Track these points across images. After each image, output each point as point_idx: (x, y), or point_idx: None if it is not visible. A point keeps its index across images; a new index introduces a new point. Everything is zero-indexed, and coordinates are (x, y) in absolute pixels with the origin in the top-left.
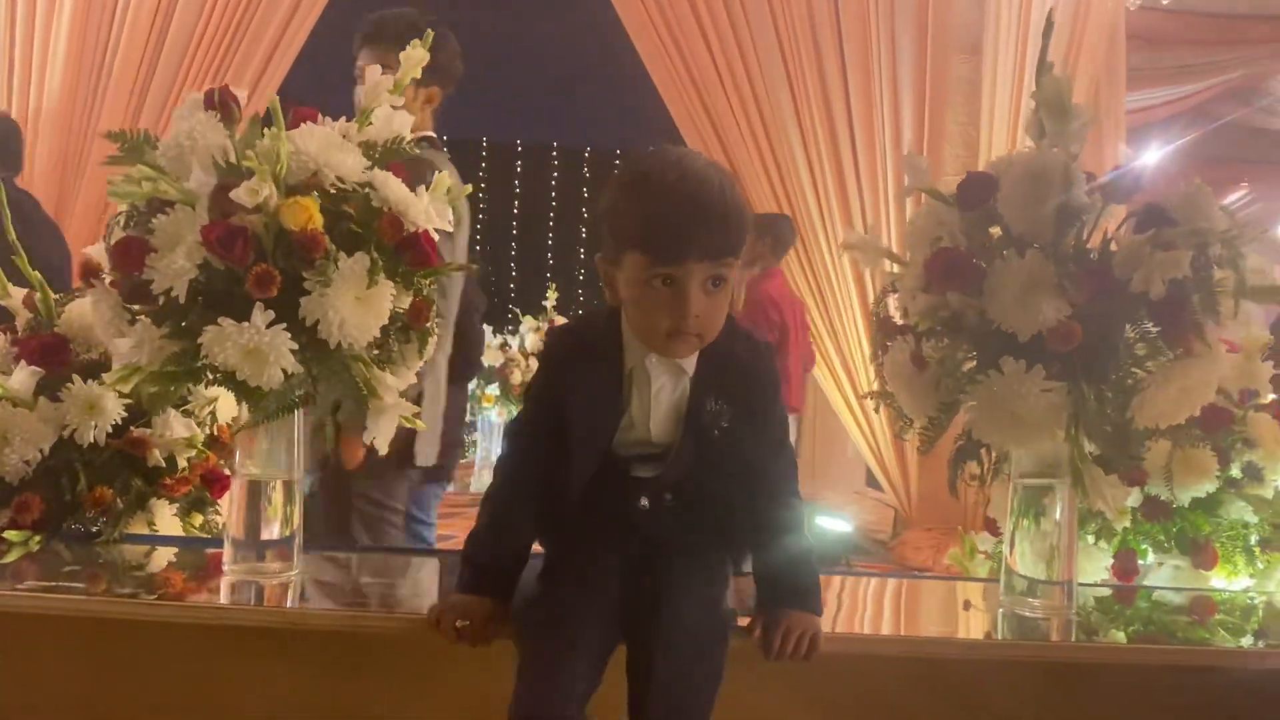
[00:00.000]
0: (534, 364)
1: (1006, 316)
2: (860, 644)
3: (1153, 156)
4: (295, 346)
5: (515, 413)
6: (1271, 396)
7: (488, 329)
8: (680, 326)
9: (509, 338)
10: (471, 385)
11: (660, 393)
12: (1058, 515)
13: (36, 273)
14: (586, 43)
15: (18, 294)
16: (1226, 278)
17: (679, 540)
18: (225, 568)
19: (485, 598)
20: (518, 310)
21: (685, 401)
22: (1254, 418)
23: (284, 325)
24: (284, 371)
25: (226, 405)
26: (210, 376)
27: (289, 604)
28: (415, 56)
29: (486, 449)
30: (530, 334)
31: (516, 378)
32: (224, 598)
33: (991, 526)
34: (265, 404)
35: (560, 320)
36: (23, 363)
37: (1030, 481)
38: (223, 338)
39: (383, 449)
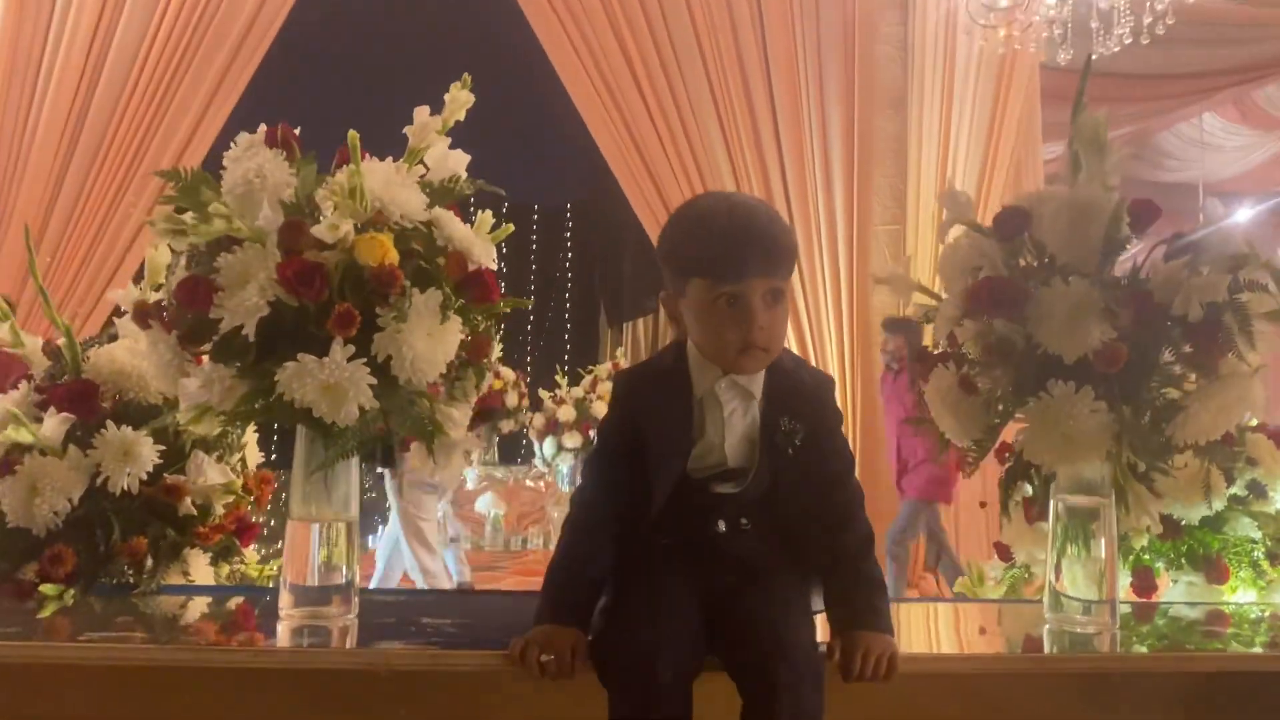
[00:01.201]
0: None
1: (1054, 340)
2: (929, 663)
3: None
4: (374, 382)
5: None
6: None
7: None
8: (748, 339)
9: None
10: None
11: (732, 416)
12: (1104, 537)
13: (66, 322)
14: (526, 103)
15: (32, 343)
16: (1257, 300)
17: (756, 564)
18: (282, 612)
19: (567, 627)
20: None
21: (758, 423)
22: (1252, 438)
23: (363, 360)
24: (360, 408)
25: (253, 452)
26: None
27: (355, 645)
28: (461, 99)
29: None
30: None
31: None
32: (287, 641)
33: (1003, 552)
34: (343, 441)
35: (506, 370)
36: (52, 410)
37: (1076, 501)
38: (302, 374)
39: (451, 484)
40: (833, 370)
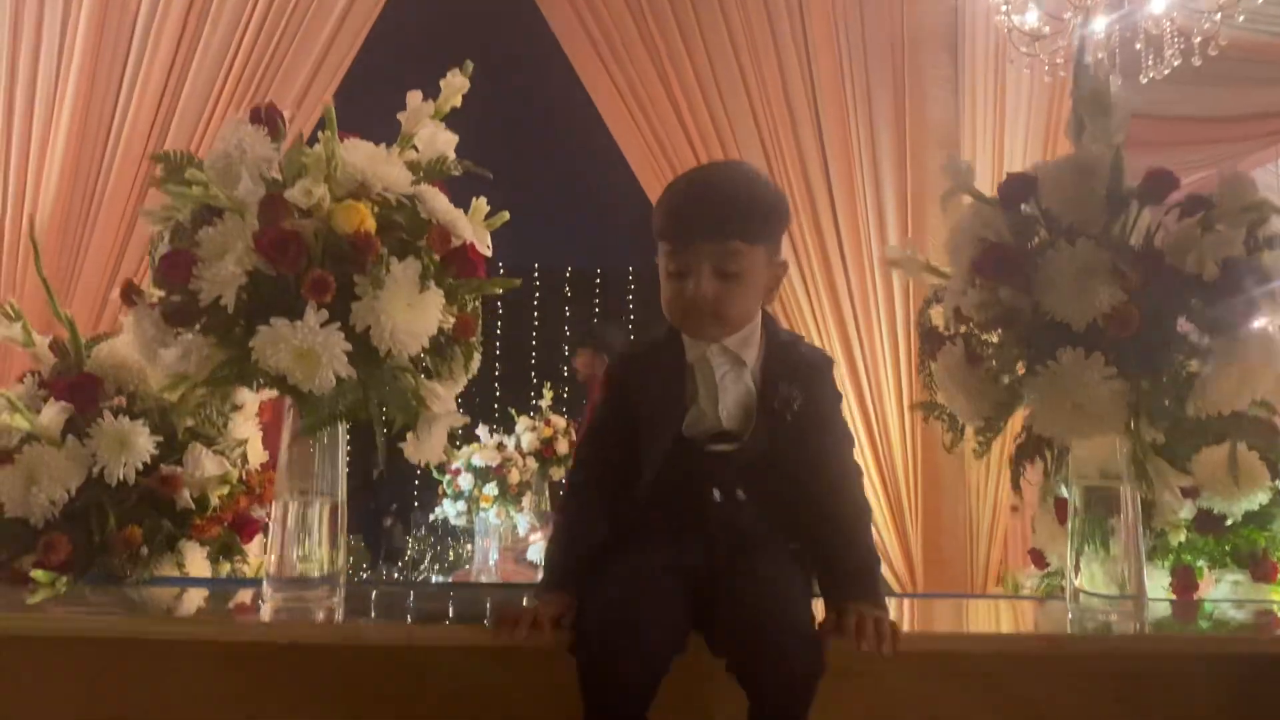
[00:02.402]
0: (531, 463)
1: (1062, 305)
2: (930, 642)
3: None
4: (349, 347)
5: (513, 514)
6: None
7: (483, 428)
8: (688, 305)
9: (504, 437)
10: (468, 486)
11: (725, 379)
12: (1123, 531)
13: (67, 313)
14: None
15: (41, 342)
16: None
17: (752, 537)
18: (266, 593)
19: (559, 594)
20: (512, 410)
21: (755, 391)
22: None
23: (337, 325)
24: (336, 377)
25: (256, 448)
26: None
27: (337, 621)
28: (456, 84)
29: (485, 550)
30: (527, 433)
31: (514, 477)
32: (268, 617)
33: (1037, 559)
34: (318, 409)
35: (557, 418)
36: (51, 400)
37: (1093, 484)
38: (275, 339)
39: (433, 458)
40: (887, 380)
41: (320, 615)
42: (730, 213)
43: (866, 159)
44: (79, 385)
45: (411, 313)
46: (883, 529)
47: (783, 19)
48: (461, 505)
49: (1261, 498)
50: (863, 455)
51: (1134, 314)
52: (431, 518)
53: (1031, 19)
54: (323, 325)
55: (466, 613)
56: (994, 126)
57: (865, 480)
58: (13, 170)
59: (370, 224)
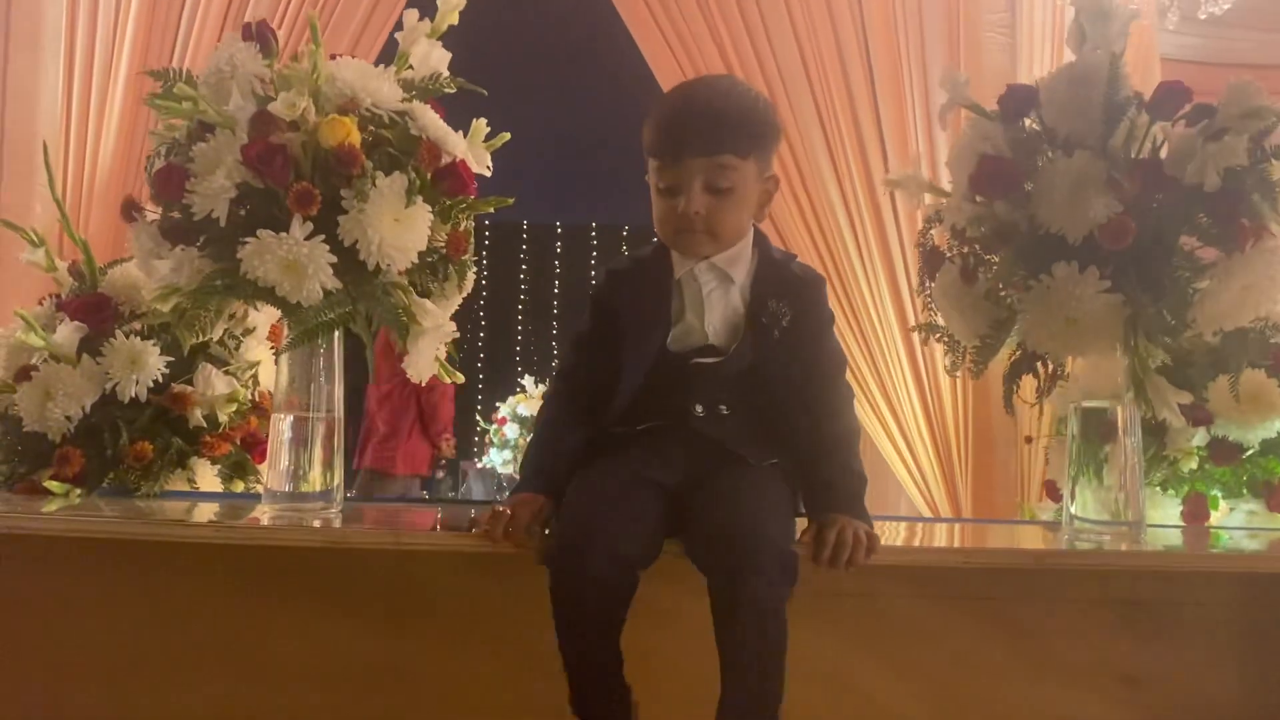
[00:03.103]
0: None
1: (1056, 217)
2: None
3: None
4: (334, 259)
5: None
6: None
7: (528, 378)
8: (680, 221)
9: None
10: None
11: (712, 295)
12: (1121, 454)
13: (82, 238)
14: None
15: (62, 267)
16: None
17: (733, 450)
18: (263, 504)
19: (535, 495)
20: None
21: (742, 309)
22: None
23: (322, 238)
24: (323, 289)
25: (268, 371)
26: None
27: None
28: (453, 2)
29: None
30: None
31: None
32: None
33: (1052, 491)
34: (304, 318)
35: None
36: (66, 319)
37: (1089, 405)
38: (262, 250)
39: (422, 376)
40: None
41: (315, 523)
42: (720, 126)
43: (920, 111)
44: (92, 305)
45: (399, 227)
46: (933, 485)
47: None
48: (508, 454)
49: (1278, 424)
50: (914, 412)
51: (1129, 225)
52: (480, 465)
53: None
54: (308, 238)
55: (451, 522)
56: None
57: (916, 435)
58: (74, 127)
59: (355, 137)
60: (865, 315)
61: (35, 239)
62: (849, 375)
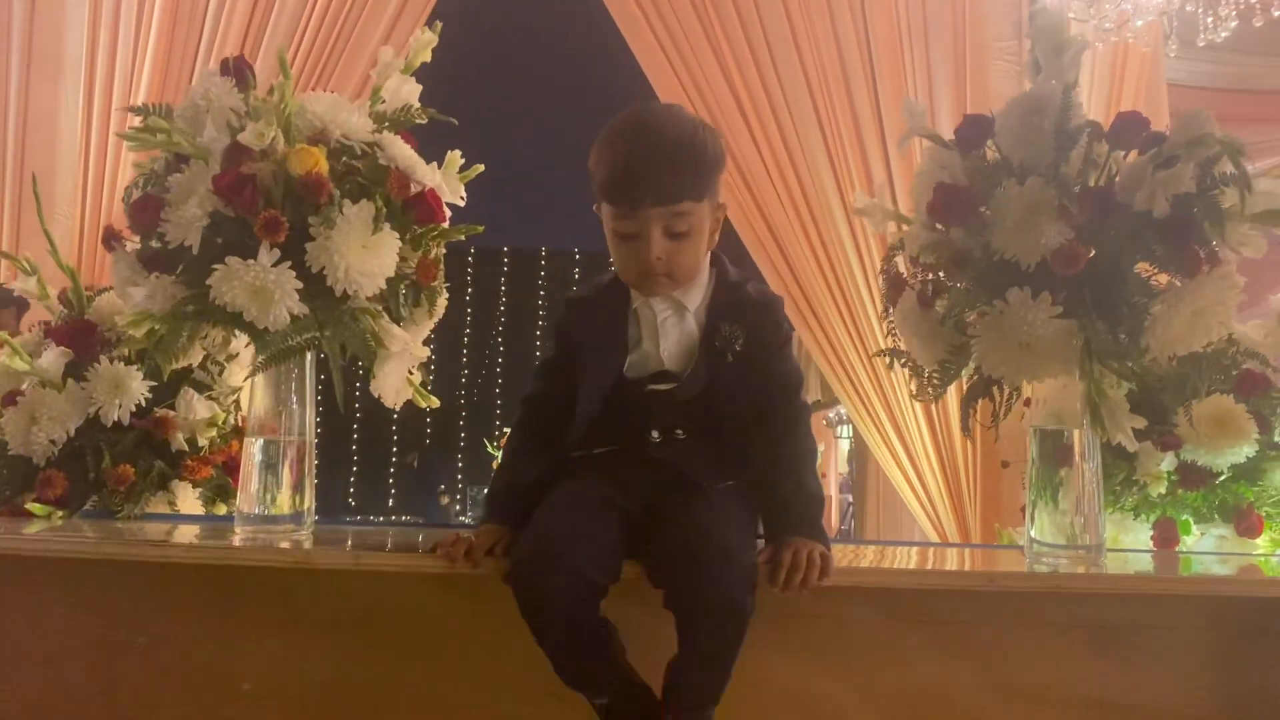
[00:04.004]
0: None
1: (1010, 244)
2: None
3: None
4: (300, 285)
5: None
6: None
7: None
8: (642, 269)
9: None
10: None
11: (666, 322)
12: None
13: (70, 265)
14: None
15: (53, 295)
16: (1235, 205)
17: (692, 475)
18: (236, 528)
19: (498, 525)
20: None
21: (698, 334)
22: None
23: (289, 264)
24: (290, 314)
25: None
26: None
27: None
28: (425, 40)
29: None
30: None
31: None
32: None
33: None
34: (271, 342)
35: None
36: (52, 344)
37: (1049, 428)
38: (230, 276)
39: (390, 400)
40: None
41: (283, 544)
42: (677, 174)
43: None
44: (77, 331)
45: (366, 254)
46: (942, 514)
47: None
48: None
49: (1247, 450)
50: (922, 440)
51: (1080, 251)
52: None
53: None
54: (276, 264)
55: (411, 544)
56: None
57: (925, 463)
58: (93, 156)
59: (323, 166)
60: (869, 334)
61: (29, 268)
62: (850, 397)
